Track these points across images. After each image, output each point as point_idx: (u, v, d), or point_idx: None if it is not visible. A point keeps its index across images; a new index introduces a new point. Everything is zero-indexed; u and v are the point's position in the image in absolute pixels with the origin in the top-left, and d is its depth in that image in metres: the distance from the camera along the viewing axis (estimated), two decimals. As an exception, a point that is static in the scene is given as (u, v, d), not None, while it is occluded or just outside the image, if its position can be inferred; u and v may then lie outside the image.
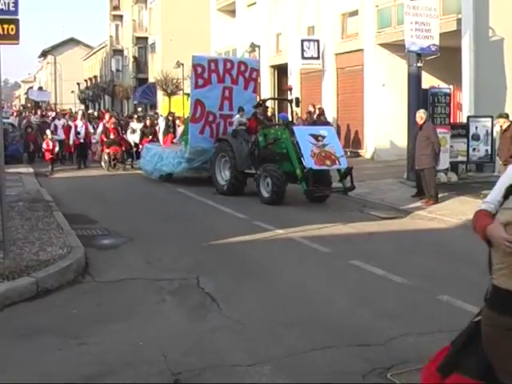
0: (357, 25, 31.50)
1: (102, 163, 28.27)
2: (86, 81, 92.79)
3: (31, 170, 26.36)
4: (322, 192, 17.94)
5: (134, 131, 29.63)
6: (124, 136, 29.34)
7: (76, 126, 29.30)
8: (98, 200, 18.97)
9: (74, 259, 10.54)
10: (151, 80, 61.37)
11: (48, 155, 27.05)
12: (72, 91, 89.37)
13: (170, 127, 29.13)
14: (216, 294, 9.17)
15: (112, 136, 27.89)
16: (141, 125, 29.88)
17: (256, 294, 9.35)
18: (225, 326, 7.95)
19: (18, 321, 8.21)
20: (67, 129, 30.11)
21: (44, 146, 27.33)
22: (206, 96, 21.92)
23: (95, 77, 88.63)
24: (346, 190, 17.84)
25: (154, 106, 60.57)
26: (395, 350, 7.16)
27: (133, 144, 29.29)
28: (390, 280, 10.01)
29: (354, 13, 31.68)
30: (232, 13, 45.54)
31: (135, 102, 63.28)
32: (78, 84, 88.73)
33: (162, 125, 30.72)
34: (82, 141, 29.00)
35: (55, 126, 30.18)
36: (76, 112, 40.46)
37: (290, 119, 21.29)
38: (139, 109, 46.46)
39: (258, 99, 23.10)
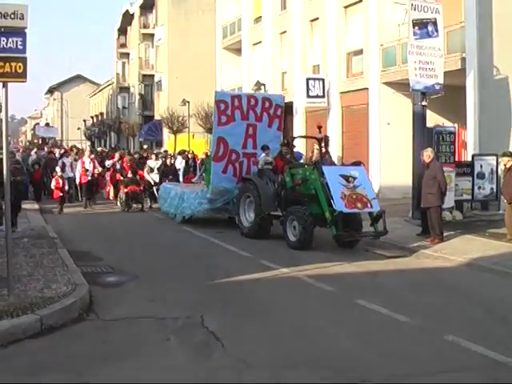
0: (362, 63, 31.68)
1: (119, 203, 26.96)
2: (92, 117, 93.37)
3: (36, 206, 26.34)
4: (352, 237, 16.77)
5: (151, 170, 28.28)
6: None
7: (83, 163, 27.77)
8: (102, 237, 18.98)
9: (79, 297, 10.53)
10: (157, 117, 61.70)
11: (57, 193, 25.84)
12: (78, 128, 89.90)
13: (191, 166, 27.90)
14: (220, 332, 9.13)
15: (130, 175, 26.81)
16: (159, 163, 28.72)
17: (260, 333, 9.32)
18: (228, 365, 7.93)
19: (22, 358, 8.19)
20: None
21: (53, 183, 26.21)
22: (229, 133, 20.99)
23: (101, 114, 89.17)
24: (378, 235, 16.71)
25: (159, 144, 60.84)
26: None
27: (152, 183, 27.87)
28: (395, 319, 9.97)
29: (359, 52, 31.90)
30: (238, 51, 45.90)
31: (141, 139, 63.55)
32: (85, 121, 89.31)
33: (178, 163, 30.04)
34: (89, 178, 27.51)
35: (63, 164, 28.72)
36: (78, 148, 40.19)
37: (319, 158, 20.42)
38: (145, 146, 46.62)
39: (282, 137, 22.32)
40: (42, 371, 7.71)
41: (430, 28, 20.81)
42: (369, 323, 9.86)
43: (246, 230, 19.07)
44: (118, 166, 28.59)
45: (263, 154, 20.01)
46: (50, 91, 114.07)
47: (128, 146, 67.35)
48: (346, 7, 32.86)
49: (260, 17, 41.84)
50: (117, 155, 30.52)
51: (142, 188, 26.77)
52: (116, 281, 12.89)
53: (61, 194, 25.87)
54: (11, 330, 8.86)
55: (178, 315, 10.13)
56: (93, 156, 29.52)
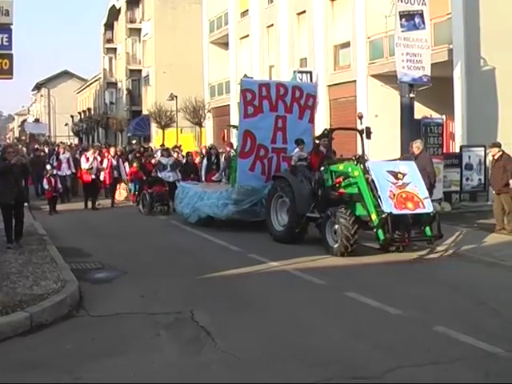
0: (349, 56, 31.75)
1: (140, 206, 24.51)
2: (79, 113, 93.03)
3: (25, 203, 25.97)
4: (402, 242, 14.91)
5: (164, 167, 25.36)
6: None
7: (87, 160, 25.81)
8: (91, 233, 18.93)
9: (68, 293, 10.49)
10: (145, 112, 61.60)
11: (50, 193, 24.16)
12: (66, 124, 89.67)
13: (213, 163, 25.48)
14: (211, 327, 9.13)
15: (153, 173, 24.76)
16: (171, 159, 25.88)
17: (251, 327, 9.32)
18: (219, 359, 7.90)
19: (12, 356, 8.15)
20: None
21: (45, 183, 24.42)
22: (256, 127, 18.97)
23: (89, 109, 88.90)
24: (431, 239, 14.87)
25: (147, 139, 60.72)
26: (392, 383, 7.14)
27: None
28: (385, 311, 9.98)
29: (346, 44, 31.96)
30: (225, 45, 45.92)
31: (129, 135, 63.44)
32: (72, 117, 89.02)
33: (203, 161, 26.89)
34: (93, 176, 25.60)
35: (59, 161, 27.34)
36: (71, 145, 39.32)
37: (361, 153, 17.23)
38: (133, 141, 46.37)
39: (313, 130, 20.58)
40: (33, 369, 7.67)
41: (416, 20, 20.87)
42: (360, 316, 9.86)
43: (278, 233, 17.09)
44: (114, 163, 26.66)
45: (297, 149, 17.87)
46: (37, 87, 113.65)
47: (116, 141, 67.17)
48: (332, 0, 32.87)
49: (247, 10, 41.91)
50: (112, 151, 28.04)
51: (167, 189, 24.11)
52: (106, 277, 12.85)
53: (54, 194, 24.42)
54: (1, 328, 8.80)
55: (168, 310, 10.12)
56: (97, 153, 27.11)
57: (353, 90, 31.03)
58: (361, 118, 19.09)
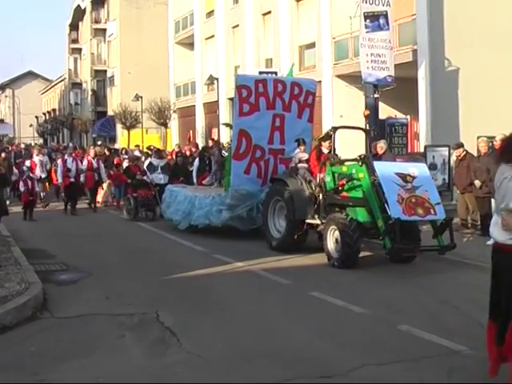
0: (314, 57, 31.88)
1: (124, 211, 23.20)
2: (44, 114, 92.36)
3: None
4: (412, 252, 13.68)
5: (155, 169, 24.07)
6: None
7: (65, 162, 24.48)
8: (56, 235, 18.80)
9: (32, 295, 10.39)
10: (110, 113, 61.36)
11: (26, 197, 22.73)
12: (30, 125, 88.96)
13: (207, 165, 23.41)
14: (176, 328, 9.10)
15: (139, 176, 23.12)
16: (163, 161, 24.77)
17: (216, 327, 9.31)
18: (185, 360, 7.88)
19: (-25, 359, 8.08)
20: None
21: (21, 185, 23.12)
22: (252, 126, 17.62)
23: (54, 110, 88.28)
24: (443, 249, 13.38)
25: (113, 139, 60.46)
26: (356, 381, 7.17)
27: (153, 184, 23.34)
28: (350, 310, 10.03)
29: (312, 45, 32.08)
30: (190, 46, 45.89)
31: (94, 135, 63.12)
32: (37, 117, 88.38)
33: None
34: (72, 180, 24.27)
35: (33, 163, 26.02)
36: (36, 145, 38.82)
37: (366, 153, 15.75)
38: (99, 142, 46.13)
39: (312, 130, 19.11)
40: (-4, 371, 7.62)
41: (381, 21, 21.03)
42: (325, 315, 9.89)
43: (276, 241, 15.85)
44: (95, 165, 25.33)
45: (297, 150, 16.52)
46: (2, 88, 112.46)
47: (81, 142, 66.81)
48: (297, 0, 32.98)
49: (212, 11, 41.98)
50: (92, 152, 26.65)
51: (153, 193, 22.71)
52: (70, 278, 12.75)
53: (30, 198, 22.91)
54: (-36, 330, 8.73)
55: (133, 312, 10.07)
56: (73, 155, 25.73)
57: (318, 90, 31.04)
58: (367, 116, 18.05)
